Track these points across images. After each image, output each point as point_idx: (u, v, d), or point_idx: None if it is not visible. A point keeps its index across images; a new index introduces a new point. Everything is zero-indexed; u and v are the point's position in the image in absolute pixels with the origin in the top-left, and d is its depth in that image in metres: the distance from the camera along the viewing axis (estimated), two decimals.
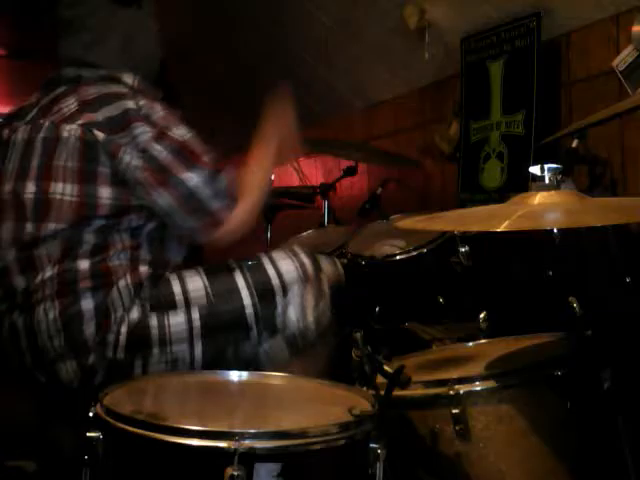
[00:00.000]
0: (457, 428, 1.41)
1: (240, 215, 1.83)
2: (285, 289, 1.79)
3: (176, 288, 1.74)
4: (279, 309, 1.78)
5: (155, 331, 1.69)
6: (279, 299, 1.79)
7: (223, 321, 1.75)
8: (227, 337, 1.75)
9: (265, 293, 1.78)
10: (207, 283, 1.76)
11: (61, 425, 1.72)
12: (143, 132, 1.71)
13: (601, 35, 2.58)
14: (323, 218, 3.44)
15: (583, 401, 1.46)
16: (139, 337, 1.69)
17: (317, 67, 4.12)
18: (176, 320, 1.71)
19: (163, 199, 1.73)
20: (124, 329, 1.68)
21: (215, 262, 1.88)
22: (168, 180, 1.72)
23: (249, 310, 1.76)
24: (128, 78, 1.83)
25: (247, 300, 1.76)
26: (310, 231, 3.07)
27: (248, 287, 1.77)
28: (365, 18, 3.53)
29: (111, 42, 1.86)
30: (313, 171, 4.71)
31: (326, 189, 3.50)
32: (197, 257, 1.89)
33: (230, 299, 1.76)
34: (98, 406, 1.25)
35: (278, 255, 1.84)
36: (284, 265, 1.81)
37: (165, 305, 1.72)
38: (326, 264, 1.89)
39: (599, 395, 1.47)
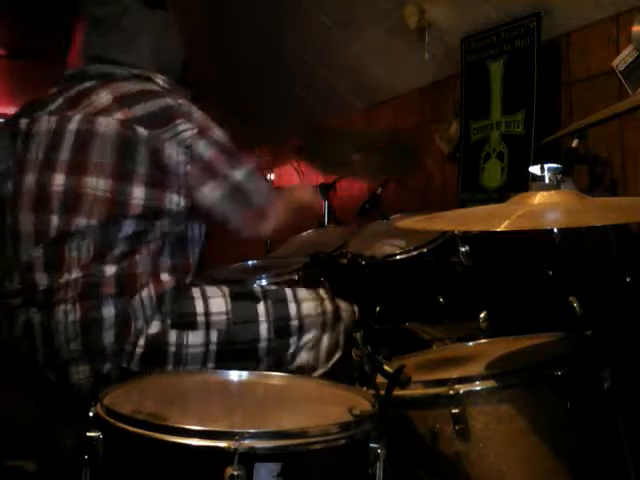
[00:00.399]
0: (457, 428, 1.41)
1: (281, 211, 1.87)
2: (302, 331, 1.80)
3: (199, 308, 1.73)
4: (291, 349, 1.79)
5: (173, 348, 1.69)
6: (293, 339, 1.79)
7: (237, 349, 1.74)
8: (238, 365, 1.73)
9: (282, 331, 1.78)
10: (230, 308, 1.75)
11: (61, 425, 1.72)
12: (187, 129, 1.72)
13: (601, 35, 2.58)
14: (323, 218, 3.44)
15: (583, 401, 1.46)
16: (156, 352, 1.68)
17: (317, 67, 4.12)
18: (194, 340, 1.70)
19: (213, 192, 1.74)
20: (142, 342, 1.68)
21: (216, 265, 1.88)
22: (216, 174, 1.74)
23: (263, 344, 1.76)
24: (159, 79, 1.83)
25: (264, 334, 1.76)
26: (310, 231, 3.07)
27: (268, 321, 1.77)
28: (365, 18, 3.53)
29: (142, 43, 1.86)
30: (313, 171, 4.71)
31: (326, 189, 3.50)
32: (201, 258, 1.88)
33: (248, 329, 1.75)
34: (98, 406, 1.25)
35: (303, 294, 1.85)
36: (307, 307, 1.82)
37: (186, 323, 1.71)
38: (345, 311, 1.89)
39: (599, 395, 1.47)
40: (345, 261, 2.37)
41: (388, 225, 2.56)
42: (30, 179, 1.72)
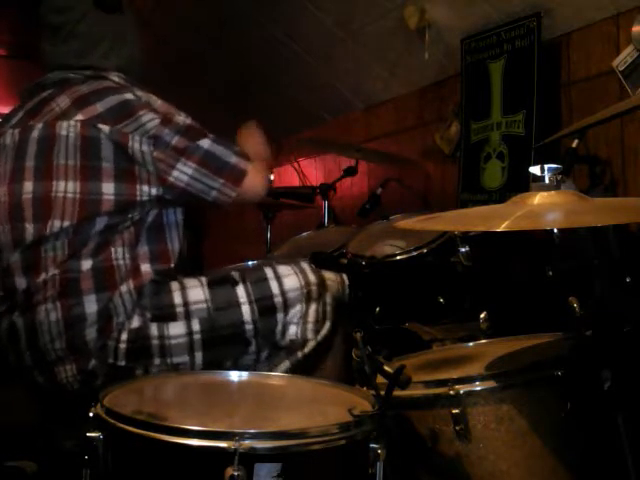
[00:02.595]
0: (457, 428, 1.40)
1: (258, 169, 1.86)
2: (287, 306, 1.79)
3: (177, 299, 1.74)
4: (279, 326, 1.79)
5: (155, 341, 1.70)
6: (280, 316, 1.79)
7: (222, 335, 1.75)
8: (226, 350, 1.74)
9: (266, 309, 1.78)
10: (209, 296, 1.76)
11: (61, 425, 1.72)
12: (150, 119, 1.73)
13: (601, 35, 2.58)
14: (323, 218, 3.44)
15: (583, 401, 1.46)
16: (140, 346, 1.69)
17: (317, 67, 4.12)
18: (176, 331, 1.71)
19: (186, 168, 1.74)
20: (124, 336, 1.68)
21: (216, 265, 1.88)
22: (184, 151, 1.75)
23: (249, 326, 1.76)
24: (113, 76, 1.85)
25: (247, 316, 1.76)
26: (310, 231, 3.07)
27: (250, 302, 1.77)
28: (365, 18, 3.53)
29: (101, 48, 1.88)
30: (313, 171, 4.71)
31: (326, 189, 3.50)
32: (197, 258, 1.89)
33: (230, 313, 1.76)
34: (98, 406, 1.25)
35: (284, 270, 1.84)
36: (289, 282, 1.81)
37: (165, 316, 1.72)
38: (331, 281, 1.89)
39: (599, 395, 1.47)
40: (345, 261, 2.37)
41: (388, 225, 2.56)
42: (1, 191, 1.75)
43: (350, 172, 3.53)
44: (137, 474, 1.20)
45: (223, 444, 1.11)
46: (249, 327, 1.76)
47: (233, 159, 1.81)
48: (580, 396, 1.46)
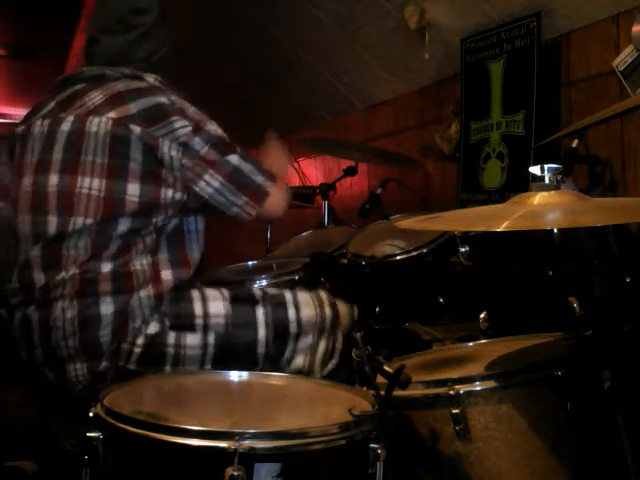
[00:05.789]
0: (457, 428, 1.41)
1: (281, 189, 1.88)
2: (299, 335, 1.81)
3: (197, 310, 1.74)
4: (287, 353, 1.80)
5: (171, 350, 1.70)
6: (290, 343, 1.80)
7: (234, 352, 1.75)
8: (234, 367, 1.74)
9: (280, 334, 1.79)
10: (229, 311, 1.76)
11: (61, 425, 1.72)
12: (182, 126, 1.74)
13: (601, 35, 2.58)
14: (323, 218, 3.44)
15: (583, 401, 1.46)
16: (155, 353, 1.69)
17: (317, 67, 4.12)
18: (192, 342, 1.71)
19: (213, 180, 1.75)
20: (140, 341, 1.68)
21: (216, 265, 1.87)
22: (213, 164, 1.76)
23: (261, 348, 1.77)
24: (149, 77, 1.84)
25: (262, 337, 1.77)
26: (310, 231, 3.07)
27: (266, 324, 1.78)
28: (365, 18, 3.53)
29: (161, 52, 1.91)
30: (313, 171, 4.71)
31: (326, 189, 3.50)
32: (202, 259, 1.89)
33: (247, 332, 1.77)
34: (98, 406, 1.25)
35: (303, 298, 1.85)
36: (305, 312, 1.82)
37: (184, 325, 1.72)
38: (344, 315, 1.90)
39: (599, 395, 1.47)
40: (345, 261, 2.37)
41: (388, 225, 2.55)
42: (27, 181, 1.74)
43: (350, 172, 3.53)
44: (137, 474, 1.20)
45: (223, 444, 1.11)
46: (261, 348, 1.77)
47: (259, 178, 1.82)
48: (580, 396, 1.46)
